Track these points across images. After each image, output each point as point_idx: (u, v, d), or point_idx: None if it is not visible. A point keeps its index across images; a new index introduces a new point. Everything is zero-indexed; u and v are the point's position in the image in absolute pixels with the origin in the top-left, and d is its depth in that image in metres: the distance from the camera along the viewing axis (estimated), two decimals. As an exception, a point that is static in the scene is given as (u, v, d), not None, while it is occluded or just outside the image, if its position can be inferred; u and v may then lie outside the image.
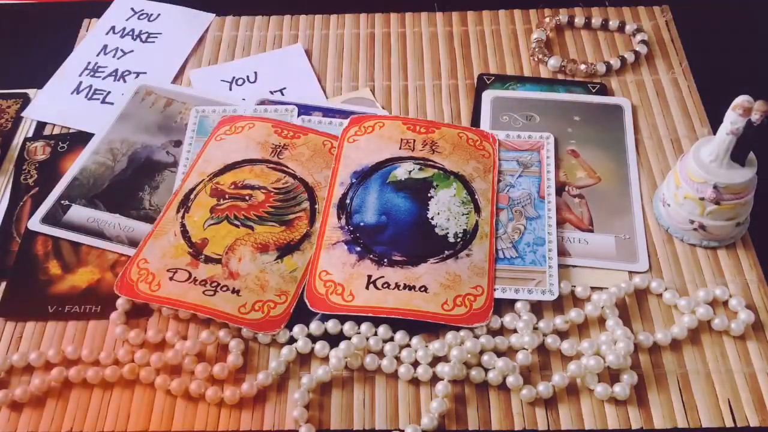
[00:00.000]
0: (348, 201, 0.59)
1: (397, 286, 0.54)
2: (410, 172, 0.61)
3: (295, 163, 0.62)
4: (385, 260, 0.56)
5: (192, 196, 0.60)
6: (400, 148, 0.62)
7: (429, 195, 0.59)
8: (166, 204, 0.59)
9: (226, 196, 0.60)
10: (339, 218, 0.58)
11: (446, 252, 0.56)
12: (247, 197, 0.60)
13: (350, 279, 0.55)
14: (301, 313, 0.54)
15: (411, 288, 0.54)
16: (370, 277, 0.55)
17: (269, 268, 0.56)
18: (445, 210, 0.58)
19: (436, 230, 0.57)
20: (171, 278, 0.55)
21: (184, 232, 0.57)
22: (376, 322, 0.53)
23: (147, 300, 0.54)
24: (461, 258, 0.56)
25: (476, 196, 0.59)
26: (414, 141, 0.63)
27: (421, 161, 0.61)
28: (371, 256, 0.56)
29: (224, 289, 0.54)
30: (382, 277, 0.55)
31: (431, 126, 0.64)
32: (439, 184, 0.60)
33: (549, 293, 0.54)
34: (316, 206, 0.59)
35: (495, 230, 0.58)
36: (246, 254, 0.56)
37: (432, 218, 0.58)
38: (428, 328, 0.53)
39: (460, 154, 0.62)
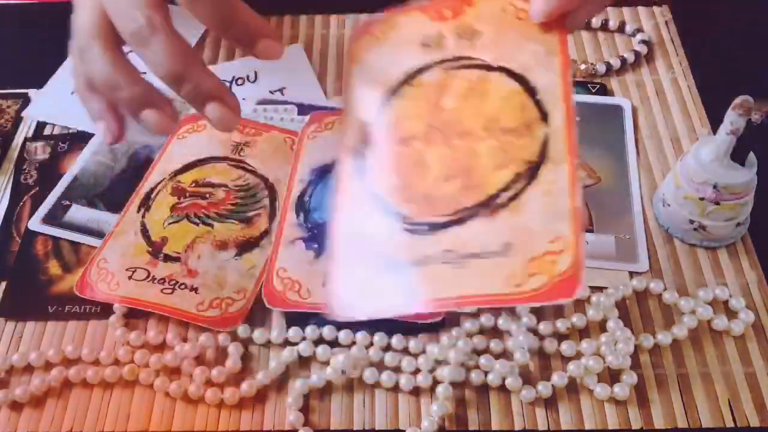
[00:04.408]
0: (307, 198, 0.59)
1: None
2: None
3: (256, 160, 0.62)
4: None
5: (153, 195, 0.60)
6: None
7: None
8: (127, 204, 0.59)
9: (187, 195, 0.60)
10: (297, 215, 0.58)
11: None
12: (207, 195, 0.60)
13: (307, 276, 0.55)
14: (299, 317, 0.54)
15: None
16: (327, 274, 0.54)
17: (228, 266, 0.56)
18: None
19: None
20: (130, 277, 0.55)
21: (144, 231, 0.58)
22: (372, 329, 0.53)
23: (106, 300, 0.54)
24: None
25: None
26: None
27: None
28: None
29: (182, 287, 0.54)
30: None
31: None
32: None
33: None
34: (277, 203, 0.59)
35: None
36: (205, 252, 0.56)
37: None
38: (426, 328, 0.53)
39: None
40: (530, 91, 0.42)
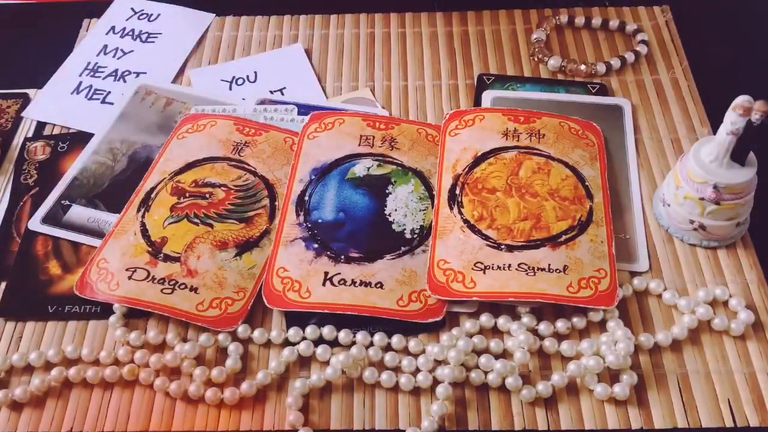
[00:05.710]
0: (306, 198, 0.59)
1: (353, 282, 0.54)
2: (369, 168, 0.61)
3: (256, 160, 0.62)
4: (342, 257, 0.56)
5: (153, 195, 0.60)
6: (359, 145, 0.62)
7: (387, 191, 0.60)
8: (127, 204, 0.59)
9: (187, 195, 0.60)
10: (297, 215, 0.58)
11: (403, 248, 0.56)
12: (207, 195, 0.60)
13: (307, 276, 0.55)
14: (299, 316, 0.54)
15: (367, 284, 0.54)
16: (326, 273, 0.55)
17: (228, 265, 0.56)
18: (403, 206, 0.59)
19: (393, 227, 0.57)
20: (129, 277, 0.55)
21: (144, 231, 0.58)
22: (372, 328, 0.53)
23: (106, 300, 0.54)
24: (417, 254, 0.56)
25: (433, 192, 0.59)
26: (373, 137, 0.63)
27: (380, 158, 0.62)
28: (328, 252, 0.56)
29: (182, 287, 0.54)
30: (339, 273, 0.55)
31: (391, 122, 0.64)
32: (397, 181, 0.60)
33: None
34: (276, 203, 0.59)
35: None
36: (205, 252, 0.56)
37: (389, 215, 0.58)
38: (426, 328, 0.53)
39: (419, 150, 0.62)
40: (580, 177, 0.60)
